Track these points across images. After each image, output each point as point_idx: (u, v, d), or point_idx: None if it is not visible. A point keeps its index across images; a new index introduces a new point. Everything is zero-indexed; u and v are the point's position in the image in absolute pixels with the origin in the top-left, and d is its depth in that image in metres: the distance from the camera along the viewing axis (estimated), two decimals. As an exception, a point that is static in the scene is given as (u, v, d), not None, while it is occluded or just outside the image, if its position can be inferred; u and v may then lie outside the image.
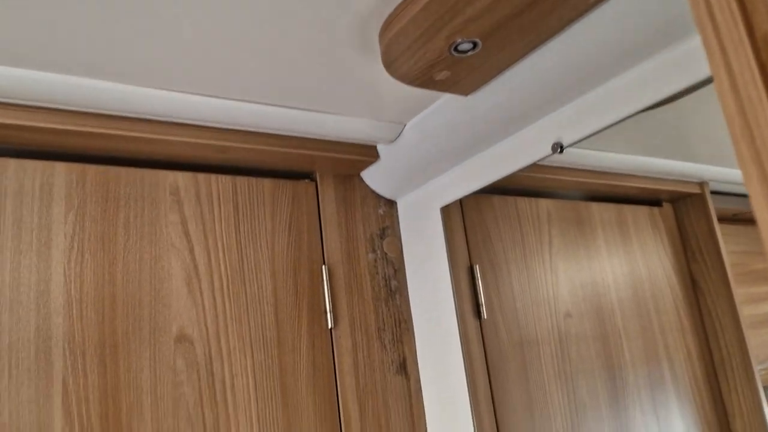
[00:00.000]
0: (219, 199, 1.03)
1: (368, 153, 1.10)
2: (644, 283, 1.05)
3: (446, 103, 0.95)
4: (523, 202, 1.21)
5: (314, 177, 1.15)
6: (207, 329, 0.95)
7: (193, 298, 0.95)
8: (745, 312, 0.87)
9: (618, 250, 1.08)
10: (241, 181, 1.06)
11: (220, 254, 1.00)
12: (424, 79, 0.83)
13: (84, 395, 0.84)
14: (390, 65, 0.80)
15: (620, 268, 1.08)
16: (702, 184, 0.92)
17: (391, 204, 1.23)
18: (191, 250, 0.97)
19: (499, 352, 1.12)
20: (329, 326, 1.06)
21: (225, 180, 1.04)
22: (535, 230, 1.20)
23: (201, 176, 1.02)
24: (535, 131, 0.93)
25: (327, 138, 1.04)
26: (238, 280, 1.00)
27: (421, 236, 1.17)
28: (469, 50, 0.77)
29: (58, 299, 0.86)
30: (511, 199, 1.22)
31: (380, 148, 1.11)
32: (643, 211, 1.05)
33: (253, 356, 0.97)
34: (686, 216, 0.97)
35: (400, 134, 1.06)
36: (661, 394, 0.97)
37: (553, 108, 0.89)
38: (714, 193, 0.91)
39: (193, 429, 0.90)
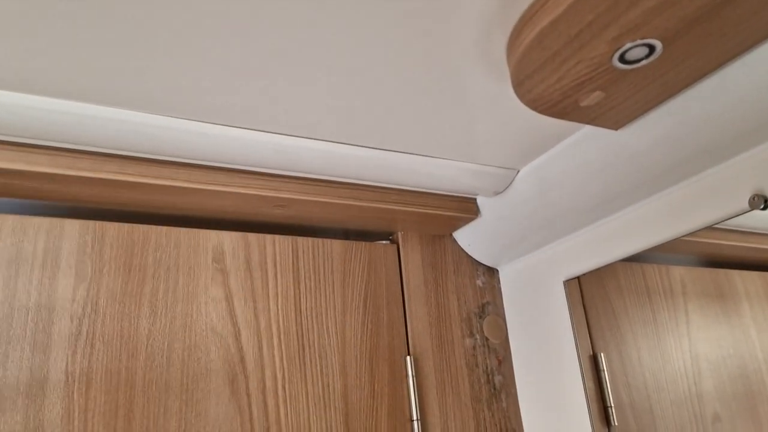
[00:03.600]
0: (276, 266, 0.79)
1: (465, 208, 0.85)
2: None
3: (584, 139, 0.69)
4: (652, 270, 0.97)
5: (395, 238, 0.90)
6: (255, 448, 0.69)
7: (237, 402, 0.70)
8: None
9: None
10: (304, 242, 0.82)
11: (275, 341, 0.75)
12: (566, 104, 0.59)
13: None
14: (521, 84, 0.55)
15: None
16: None
17: (492, 273, 0.97)
18: (237, 336, 0.73)
19: None
20: (416, 439, 0.79)
21: (283, 242, 0.80)
22: (669, 306, 0.96)
23: (252, 237, 0.79)
24: (720, 177, 0.66)
25: (413, 188, 0.80)
26: (297, 377, 0.75)
27: (534, 315, 0.90)
28: (641, 59, 0.53)
29: (55, 407, 0.62)
30: (637, 266, 0.96)
31: (481, 201, 0.86)
32: None
33: (315, 485, 0.71)
34: None
35: (510, 184, 0.81)
36: None
37: (751, 143, 0.62)
38: None
39: None
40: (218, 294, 0.74)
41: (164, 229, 0.74)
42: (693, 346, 0.93)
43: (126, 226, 0.72)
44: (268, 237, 0.80)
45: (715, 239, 0.88)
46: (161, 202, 0.71)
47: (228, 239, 0.77)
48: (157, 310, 0.70)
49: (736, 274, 0.96)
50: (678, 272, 0.98)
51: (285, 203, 0.75)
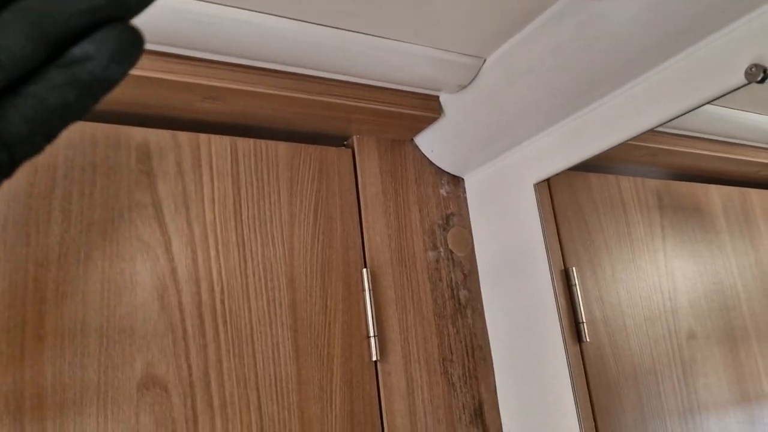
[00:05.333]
0: (211, 169, 0.69)
1: (427, 106, 0.76)
2: None
3: (558, 16, 0.60)
4: (628, 183, 0.91)
5: (350, 143, 0.81)
6: (189, 368, 0.61)
7: (168, 319, 0.62)
8: None
9: (746, 246, 0.85)
10: (245, 144, 0.73)
11: (212, 252, 0.66)
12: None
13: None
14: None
15: (751, 272, 0.85)
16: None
17: (458, 182, 0.89)
18: (167, 246, 0.64)
19: (607, 388, 0.82)
20: (373, 358, 0.72)
21: (220, 142, 0.71)
22: (645, 219, 0.91)
23: (183, 135, 0.69)
24: (713, 49, 0.57)
25: (368, 82, 0.71)
26: (238, 291, 0.66)
27: (502, 226, 0.83)
28: None
29: (-54, 324, 0.53)
30: (612, 177, 0.91)
31: (444, 99, 0.77)
32: None
33: (260, 407, 0.64)
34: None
35: (476, 76, 0.72)
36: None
37: (749, 6, 0.54)
38: None
39: None
40: (144, 199, 0.64)
41: (77, 124, 0.63)
42: (668, 261, 0.89)
43: (30, 120, 0.61)
44: (202, 136, 0.70)
45: (694, 149, 0.82)
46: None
47: (154, 138, 0.67)
48: (71, 215, 0.60)
49: (714, 189, 0.92)
50: (654, 185, 0.92)
51: (217, 95, 0.65)
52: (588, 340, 0.79)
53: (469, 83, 0.73)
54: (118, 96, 0.63)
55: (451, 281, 0.82)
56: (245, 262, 0.68)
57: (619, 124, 0.67)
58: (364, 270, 0.75)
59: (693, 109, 0.59)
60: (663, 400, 0.83)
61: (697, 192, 0.91)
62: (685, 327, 0.87)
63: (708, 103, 0.58)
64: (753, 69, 0.52)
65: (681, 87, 0.60)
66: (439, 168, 0.87)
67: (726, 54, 0.55)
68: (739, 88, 0.54)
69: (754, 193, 0.88)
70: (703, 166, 0.87)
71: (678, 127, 0.77)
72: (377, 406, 0.71)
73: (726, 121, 0.76)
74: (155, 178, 0.66)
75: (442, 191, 0.86)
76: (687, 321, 0.87)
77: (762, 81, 0.52)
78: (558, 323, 0.76)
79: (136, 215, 0.64)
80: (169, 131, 0.68)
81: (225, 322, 0.65)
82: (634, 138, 0.67)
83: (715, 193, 0.90)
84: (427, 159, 0.86)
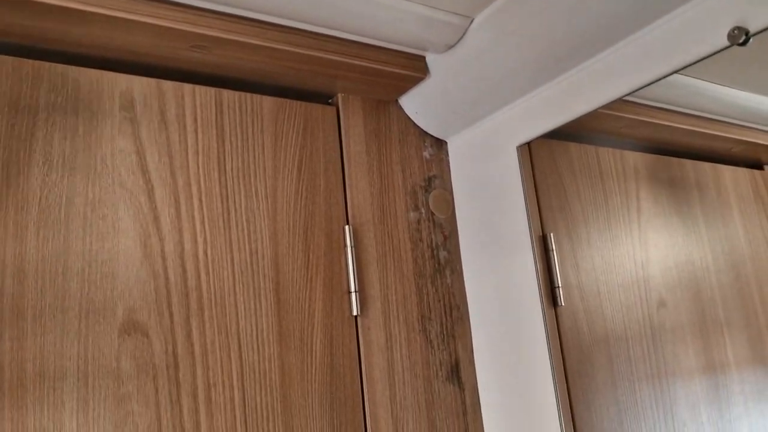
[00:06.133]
0: (196, 120, 0.69)
1: (413, 66, 0.76)
2: (747, 264, 0.86)
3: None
4: (607, 154, 0.93)
5: (336, 101, 0.81)
6: (171, 315, 0.62)
7: (151, 266, 0.62)
8: None
9: (717, 221, 0.89)
10: (230, 96, 0.72)
11: (195, 202, 0.66)
12: None
13: (-39, 419, 0.52)
14: None
15: (720, 245, 0.88)
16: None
17: (441, 145, 0.89)
18: (150, 195, 0.64)
19: (579, 352, 0.84)
20: (354, 313, 0.73)
21: (205, 93, 0.70)
22: (621, 190, 0.93)
23: (168, 85, 0.68)
24: (699, 11, 0.58)
25: (355, 38, 0.70)
26: (221, 242, 0.67)
27: (484, 189, 0.83)
28: None
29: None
30: (591, 148, 0.92)
31: (431, 59, 0.77)
32: (742, 174, 0.87)
33: (241, 356, 0.64)
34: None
35: (463, 36, 0.72)
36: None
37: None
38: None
39: (145, 469, 0.58)
40: (127, 146, 0.64)
41: (60, 67, 0.62)
42: (643, 232, 0.91)
43: (11, 60, 0.60)
44: (187, 86, 0.69)
45: (671, 122, 0.83)
46: (55, 31, 0.59)
47: (139, 85, 0.66)
48: (52, 159, 0.60)
49: (689, 164, 0.94)
50: (632, 157, 0.94)
51: (205, 43, 0.64)
52: (563, 304, 0.81)
53: (456, 43, 0.73)
54: (105, 41, 0.62)
55: (432, 242, 0.83)
56: (228, 213, 0.68)
57: (603, 85, 0.68)
58: (347, 227, 0.75)
59: (676, 71, 0.60)
60: (632, 365, 0.85)
61: (673, 166, 0.93)
62: (656, 296, 0.89)
63: (692, 64, 0.59)
64: (735, 31, 0.54)
65: (665, 49, 0.61)
66: (423, 130, 0.87)
67: (709, 16, 0.57)
68: (722, 50, 0.56)
69: (726, 170, 0.90)
70: (679, 141, 0.89)
71: (657, 99, 0.78)
72: (357, 359, 0.72)
73: (703, 95, 0.78)
74: (139, 126, 0.65)
75: (425, 153, 0.86)
76: (658, 290, 0.89)
77: (743, 44, 0.53)
78: (536, 286, 0.77)
79: (120, 162, 0.63)
80: (154, 79, 0.67)
81: (207, 272, 0.65)
82: (618, 100, 0.67)
83: (690, 168, 0.92)
84: (412, 121, 0.86)
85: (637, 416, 0.83)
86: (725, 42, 0.55)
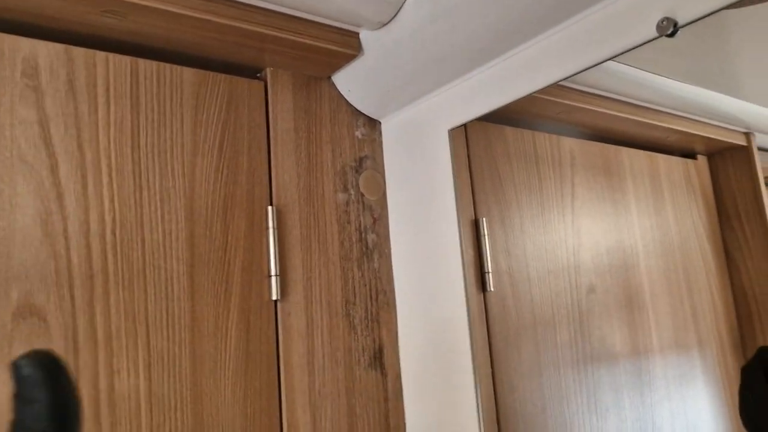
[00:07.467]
0: (108, 90, 0.64)
1: (346, 42, 0.73)
2: (676, 252, 0.88)
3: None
4: (543, 139, 0.93)
5: (264, 75, 0.78)
6: (72, 299, 0.58)
7: (51, 246, 0.58)
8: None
9: (649, 209, 0.90)
10: (147, 66, 0.68)
11: (104, 179, 0.62)
12: None
13: None
14: None
15: (651, 232, 0.89)
16: (748, 134, 0.79)
17: (374, 125, 0.87)
18: (53, 169, 0.60)
19: (506, 338, 0.85)
20: (273, 297, 0.71)
21: (120, 62, 0.66)
22: (556, 176, 0.92)
23: (78, 51, 0.64)
24: (628, 1, 0.57)
25: (284, 9, 0.67)
26: (132, 222, 0.63)
27: (415, 172, 0.82)
28: None
29: None
30: (528, 133, 0.91)
31: (365, 36, 0.74)
32: (676, 163, 0.89)
33: (149, 343, 0.62)
34: (724, 173, 0.82)
35: (398, 12, 0.69)
36: (691, 390, 0.82)
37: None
38: (762, 150, 0.78)
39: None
40: (29, 116, 0.59)
41: (-48, 26, 0.57)
42: (576, 218, 0.91)
43: None
44: (100, 54, 0.65)
45: (608, 109, 0.83)
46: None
47: (45, 51, 0.61)
48: (-58, 128, 0.55)
49: (624, 152, 0.94)
50: (568, 143, 0.94)
51: (118, 8, 0.60)
52: (492, 289, 0.81)
53: (390, 20, 0.70)
54: (5, 1, 0.57)
55: (360, 224, 0.81)
56: (141, 191, 0.64)
57: (534, 72, 0.66)
58: (270, 207, 0.73)
59: (607, 60, 0.60)
60: (559, 350, 0.86)
61: (609, 153, 0.93)
62: (586, 282, 0.90)
63: (622, 53, 0.58)
64: (664, 22, 0.53)
65: (596, 38, 0.60)
66: (356, 109, 0.85)
67: (639, 6, 0.56)
68: (651, 40, 0.55)
69: (660, 159, 0.90)
70: (615, 128, 0.89)
71: (593, 86, 0.77)
72: (274, 346, 0.70)
73: (640, 84, 0.77)
74: (43, 94, 0.61)
75: (357, 133, 0.84)
76: (588, 276, 0.90)
77: (672, 35, 0.53)
78: (461, 272, 0.76)
79: (20, 133, 0.59)
80: (62, 45, 0.63)
81: (115, 253, 0.61)
82: (550, 86, 0.66)
83: (625, 155, 0.93)
84: (344, 99, 0.83)
85: (561, 401, 0.84)
86: (654, 33, 0.54)
